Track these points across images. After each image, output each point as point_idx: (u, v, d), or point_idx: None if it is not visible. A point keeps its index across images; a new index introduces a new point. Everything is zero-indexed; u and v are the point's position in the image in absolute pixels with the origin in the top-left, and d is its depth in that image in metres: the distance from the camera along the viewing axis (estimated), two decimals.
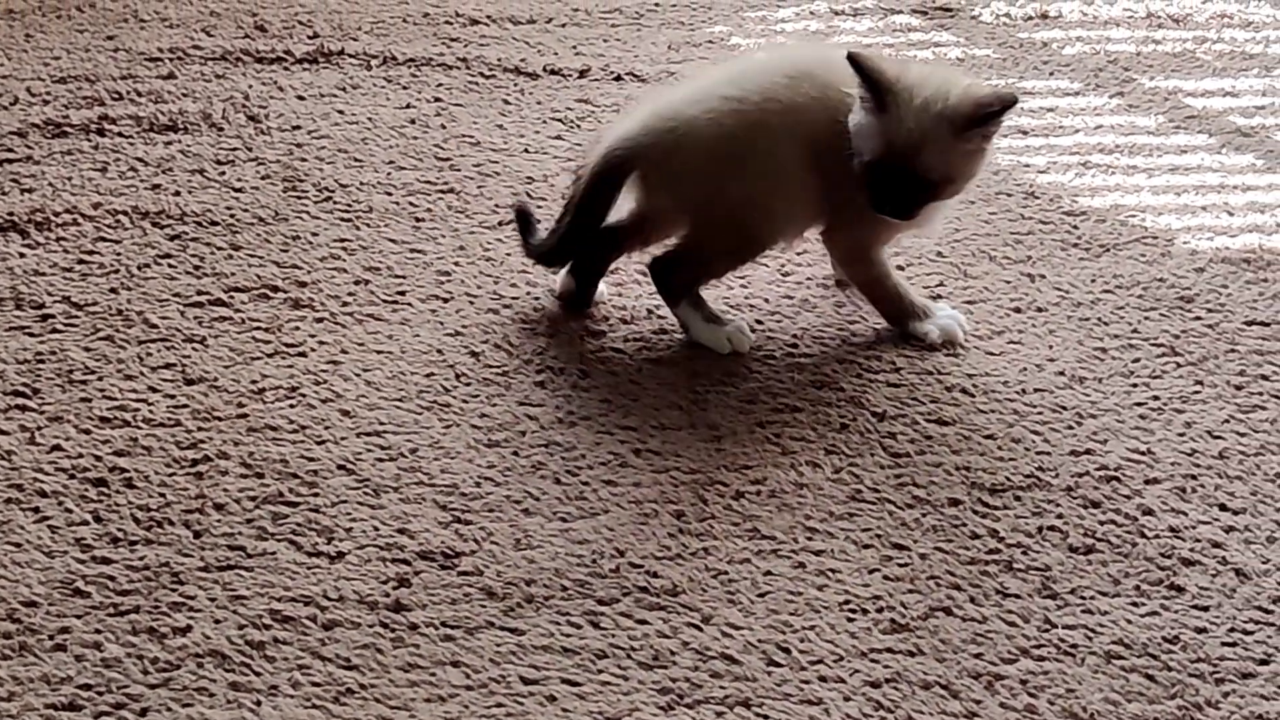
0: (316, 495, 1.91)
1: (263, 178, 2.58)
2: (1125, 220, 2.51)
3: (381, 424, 2.03)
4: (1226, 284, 2.35)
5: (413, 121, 2.77)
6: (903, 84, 2.05)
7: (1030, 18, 3.21)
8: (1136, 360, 2.18)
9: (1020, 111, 2.82)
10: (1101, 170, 2.65)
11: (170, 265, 2.35)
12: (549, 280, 2.31)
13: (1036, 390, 2.12)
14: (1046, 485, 1.95)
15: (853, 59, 2.05)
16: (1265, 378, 2.15)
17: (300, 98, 2.84)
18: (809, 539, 1.86)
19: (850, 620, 1.75)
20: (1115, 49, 3.07)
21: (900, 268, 2.36)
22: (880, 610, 1.76)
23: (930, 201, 2.09)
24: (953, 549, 1.85)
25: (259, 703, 1.64)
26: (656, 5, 3.25)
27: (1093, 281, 2.35)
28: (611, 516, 1.89)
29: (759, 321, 2.25)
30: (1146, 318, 2.27)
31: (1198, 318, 2.27)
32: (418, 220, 2.48)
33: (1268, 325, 2.25)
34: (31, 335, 2.18)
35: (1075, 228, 2.48)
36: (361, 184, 2.57)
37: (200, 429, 2.01)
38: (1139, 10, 3.23)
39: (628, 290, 2.31)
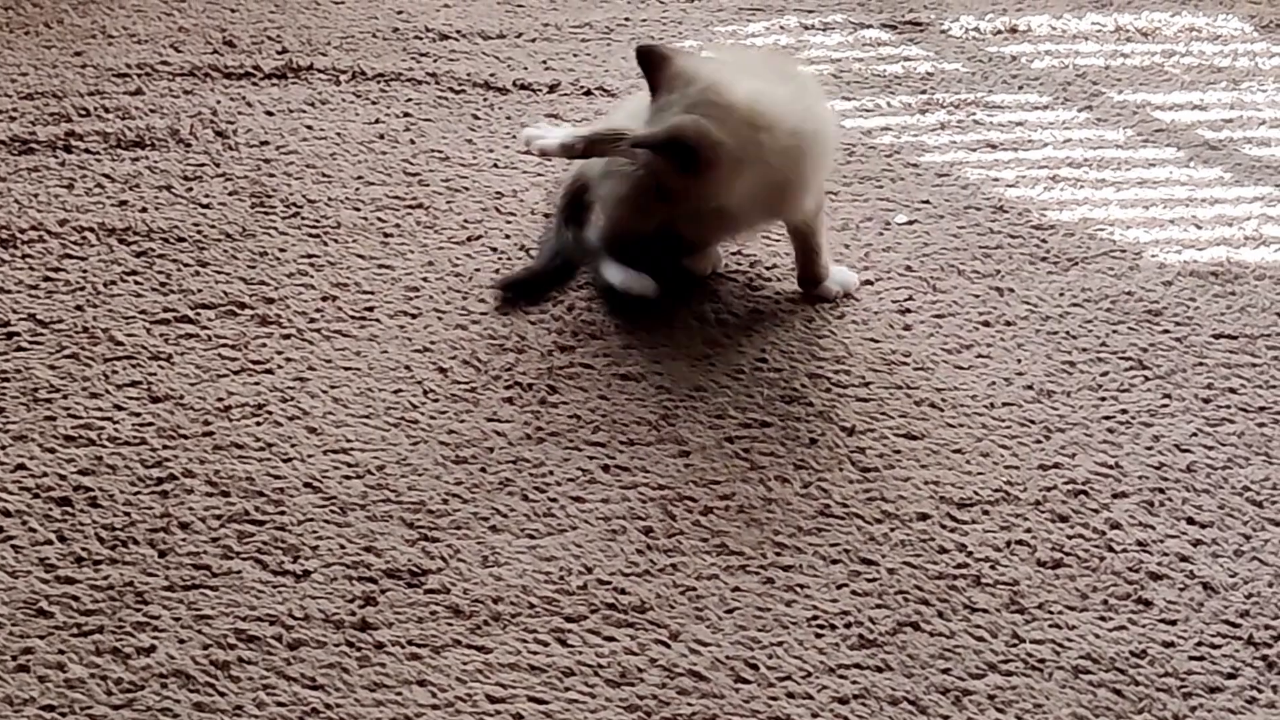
0: (282, 513, 1.90)
1: (230, 193, 2.57)
2: (1094, 234, 2.51)
3: (348, 441, 2.02)
4: (1195, 297, 2.35)
5: (381, 136, 2.76)
6: (667, 87, 2.14)
7: (999, 32, 3.21)
8: (1105, 374, 2.18)
9: (989, 125, 2.83)
10: (1070, 184, 2.65)
11: (137, 282, 2.34)
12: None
13: (1005, 404, 2.12)
14: (1015, 499, 1.95)
15: (638, 51, 2.16)
16: (1233, 391, 2.15)
17: (269, 113, 2.83)
18: (777, 554, 1.86)
19: (818, 636, 1.75)
20: (1084, 63, 3.08)
21: (868, 282, 2.36)
22: (848, 626, 1.76)
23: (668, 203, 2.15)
24: (921, 564, 1.85)
25: None
26: (627, 20, 3.24)
27: (1061, 295, 2.35)
28: (579, 533, 1.88)
29: (727, 336, 2.24)
30: (1115, 331, 2.27)
31: (1166, 331, 2.27)
32: (386, 236, 2.47)
33: (1235, 338, 2.26)
34: None
35: (1044, 241, 2.49)
36: (330, 199, 2.56)
37: (166, 447, 2.00)
38: (1107, 24, 3.24)
39: (597, 305, 2.30)
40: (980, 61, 3.09)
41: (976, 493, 1.96)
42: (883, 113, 2.87)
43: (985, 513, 1.93)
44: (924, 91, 2.95)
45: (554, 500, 1.93)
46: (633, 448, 2.02)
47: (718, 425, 2.07)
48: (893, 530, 1.90)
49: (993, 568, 1.84)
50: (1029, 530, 1.90)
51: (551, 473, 1.98)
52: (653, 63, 2.15)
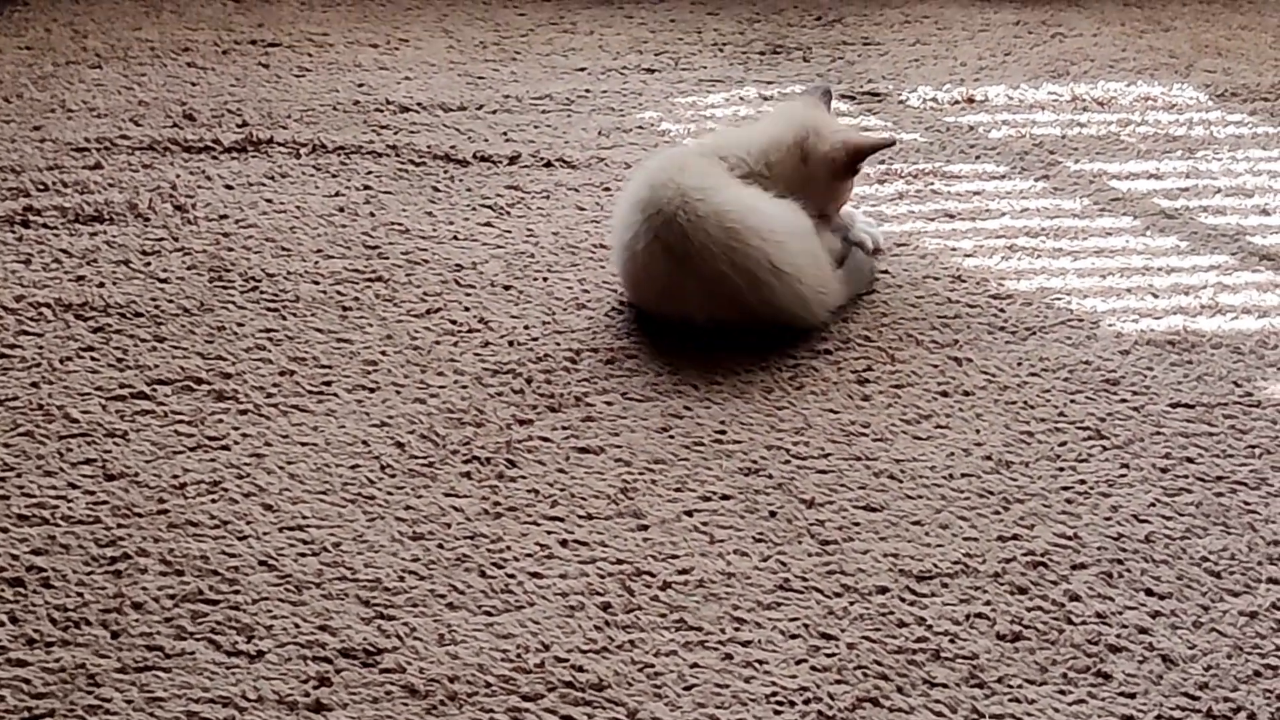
0: (237, 593, 1.88)
1: (189, 268, 2.56)
2: (1051, 303, 2.52)
3: (304, 518, 2.01)
4: (1152, 366, 2.36)
5: (341, 209, 2.76)
6: None
7: (957, 102, 3.24)
8: (1063, 444, 2.18)
9: (947, 195, 2.85)
10: (1028, 253, 2.67)
11: (93, 358, 2.33)
12: (474, 368, 2.31)
13: (963, 475, 2.12)
14: (974, 571, 1.94)
15: None
16: (1190, 460, 2.15)
17: (228, 187, 2.83)
18: (736, 629, 1.85)
19: (777, 713, 1.73)
20: (1041, 133, 3.11)
21: (827, 352, 2.36)
22: (808, 702, 1.75)
23: None
24: (880, 638, 1.84)
25: None
26: (587, 91, 3.26)
27: (1019, 364, 2.36)
28: (537, 609, 1.87)
29: (687, 408, 2.24)
30: (1072, 400, 2.28)
31: (1123, 400, 2.28)
32: (345, 309, 2.47)
33: (1192, 407, 2.26)
34: None
35: (1002, 311, 2.50)
36: (289, 273, 2.56)
37: (120, 526, 1.99)
38: (1064, 94, 3.27)
39: (556, 378, 2.30)
40: (938, 131, 3.11)
41: (935, 565, 1.95)
42: None
43: (944, 585, 1.92)
44: (882, 161, 2.97)
45: (511, 576, 1.92)
46: (591, 522, 2.02)
47: (676, 498, 2.06)
48: (852, 604, 1.89)
49: (952, 641, 1.84)
50: (988, 603, 1.89)
51: (509, 548, 1.96)
52: None
